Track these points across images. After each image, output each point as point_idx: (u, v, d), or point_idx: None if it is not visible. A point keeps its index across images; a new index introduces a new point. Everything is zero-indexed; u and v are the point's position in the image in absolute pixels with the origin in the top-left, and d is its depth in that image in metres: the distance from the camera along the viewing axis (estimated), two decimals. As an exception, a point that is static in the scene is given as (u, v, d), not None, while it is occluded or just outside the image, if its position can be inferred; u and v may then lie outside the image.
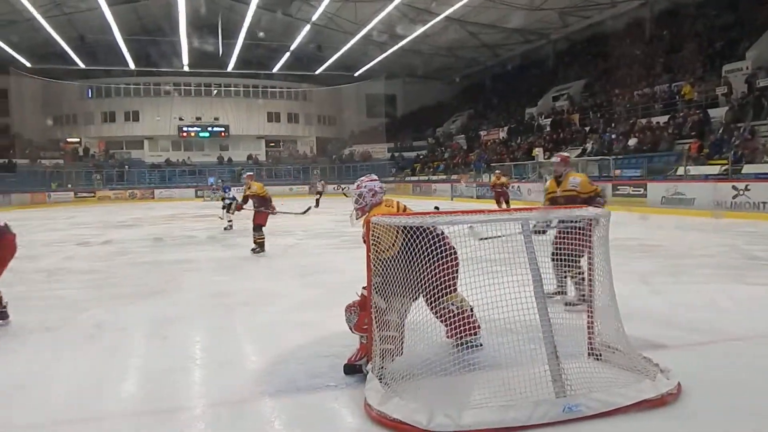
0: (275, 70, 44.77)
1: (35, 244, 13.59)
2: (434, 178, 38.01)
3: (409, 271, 3.81)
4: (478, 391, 3.49)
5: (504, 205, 18.17)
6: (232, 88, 49.19)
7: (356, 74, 45.77)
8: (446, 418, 3.11)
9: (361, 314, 3.98)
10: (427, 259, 3.79)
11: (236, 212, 13.38)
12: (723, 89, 22.77)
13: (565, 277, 5.61)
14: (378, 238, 3.84)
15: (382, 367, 3.69)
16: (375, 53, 40.02)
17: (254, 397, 3.78)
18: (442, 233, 4.01)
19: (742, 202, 15.90)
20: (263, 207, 10.96)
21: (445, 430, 3.07)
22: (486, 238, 3.92)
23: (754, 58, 23.21)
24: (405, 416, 3.18)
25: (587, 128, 29.30)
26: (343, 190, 34.69)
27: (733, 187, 16.30)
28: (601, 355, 3.93)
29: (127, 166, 44.85)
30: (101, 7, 28.63)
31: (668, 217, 16.20)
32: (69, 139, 47.36)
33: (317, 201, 25.81)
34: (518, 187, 27.28)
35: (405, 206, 4.48)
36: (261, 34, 37.63)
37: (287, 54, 41.51)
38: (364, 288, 3.95)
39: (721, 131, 20.62)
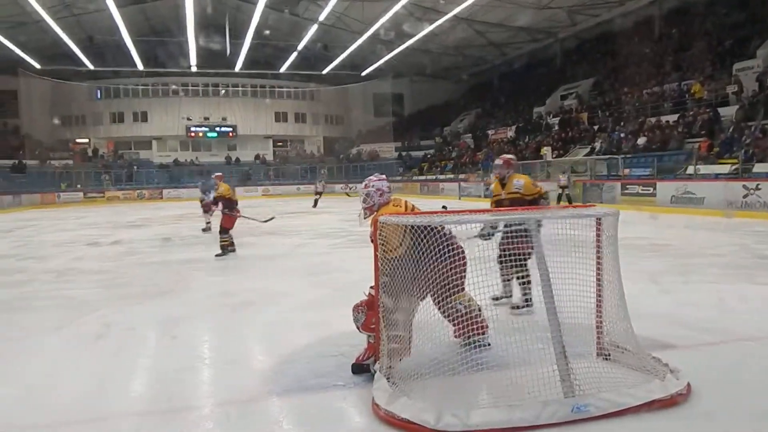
0: (282, 69, 44.80)
1: (45, 245, 13.68)
2: (442, 177, 37.96)
3: (416, 270, 3.80)
4: (486, 391, 3.48)
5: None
6: (240, 88, 49.28)
7: (363, 73, 45.74)
8: (454, 418, 3.10)
9: (368, 314, 3.98)
10: (434, 258, 3.77)
11: (210, 213, 13.04)
12: (733, 88, 22.61)
13: (510, 279, 5.55)
14: (386, 237, 3.84)
15: (389, 367, 3.68)
16: (382, 52, 39.97)
17: (262, 397, 3.79)
18: (450, 233, 4.01)
19: (752, 202, 15.78)
20: (227, 209, 10.66)
21: (453, 429, 3.07)
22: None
23: (764, 57, 23.02)
24: (413, 416, 3.17)
25: (596, 127, 29.16)
26: (347, 189, 34.76)
27: (744, 187, 16.18)
28: (610, 355, 3.92)
29: (135, 167, 44.99)
30: (109, 8, 28.73)
31: (678, 217, 16.11)
32: (78, 140, 47.57)
33: (316, 201, 25.83)
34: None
35: (413, 206, 4.48)
36: (267, 32, 37.65)
37: (294, 54, 41.54)
38: (371, 287, 3.95)
39: (731, 130, 20.48)
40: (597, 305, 3.90)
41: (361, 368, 4.02)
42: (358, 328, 4.10)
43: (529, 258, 4.19)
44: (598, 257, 3.88)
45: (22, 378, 4.32)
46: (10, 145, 41.58)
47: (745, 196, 16.03)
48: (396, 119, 51.07)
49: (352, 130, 53.43)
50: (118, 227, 18.17)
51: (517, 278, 5.32)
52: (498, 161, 6.16)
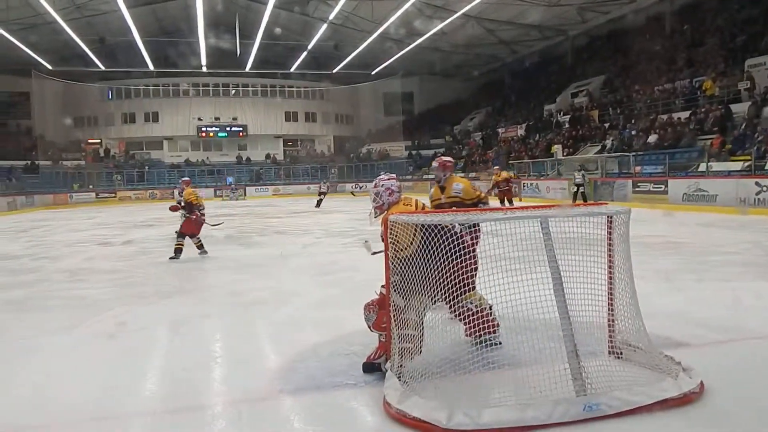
0: (293, 69, 44.90)
1: (58, 245, 13.79)
2: (452, 175, 37.85)
3: (427, 269, 3.79)
4: (497, 390, 3.47)
5: (507, 205, 16.81)
6: (250, 88, 49.39)
7: (373, 72, 45.74)
8: (466, 417, 3.09)
9: (380, 312, 3.98)
10: (445, 257, 3.77)
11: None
12: (745, 84, 22.41)
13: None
14: (396, 236, 3.84)
15: (401, 366, 3.68)
16: (392, 51, 39.94)
17: (274, 395, 3.80)
18: (461, 231, 4.00)
19: (765, 199, 15.64)
20: (186, 213, 10.47)
21: (465, 428, 3.06)
22: (378, 252, 3.91)
23: (777, 52, 22.85)
24: (424, 414, 3.17)
25: (607, 125, 29.01)
26: (353, 189, 34.78)
27: (756, 184, 16.04)
28: (622, 354, 3.89)
29: (147, 167, 45.21)
30: (121, 9, 28.90)
31: (690, 214, 16.00)
32: (90, 141, 47.89)
33: (319, 202, 25.86)
34: (536, 184, 27.14)
35: (423, 204, 4.48)
36: (278, 30, 37.69)
37: (304, 53, 41.61)
38: (382, 286, 3.95)
39: (743, 126, 20.31)
40: (609, 303, 3.87)
41: (372, 367, 4.02)
42: (369, 327, 4.10)
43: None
44: (610, 255, 3.86)
45: (35, 377, 4.36)
46: (23, 146, 41.94)
47: (758, 193, 15.88)
48: (406, 118, 50.98)
49: (362, 129, 53.41)
50: (130, 227, 18.28)
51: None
52: (434, 164, 5.97)
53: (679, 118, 24.04)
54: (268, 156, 49.34)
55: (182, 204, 10.52)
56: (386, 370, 3.76)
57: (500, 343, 4.11)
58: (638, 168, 22.35)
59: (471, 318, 3.95)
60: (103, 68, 40.99)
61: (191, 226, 10.39)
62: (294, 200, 35.01)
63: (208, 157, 48.09)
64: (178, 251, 10.23)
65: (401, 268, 3.82)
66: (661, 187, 19.66)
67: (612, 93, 32.00)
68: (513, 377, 3.53)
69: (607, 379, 3.39)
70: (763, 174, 16.63)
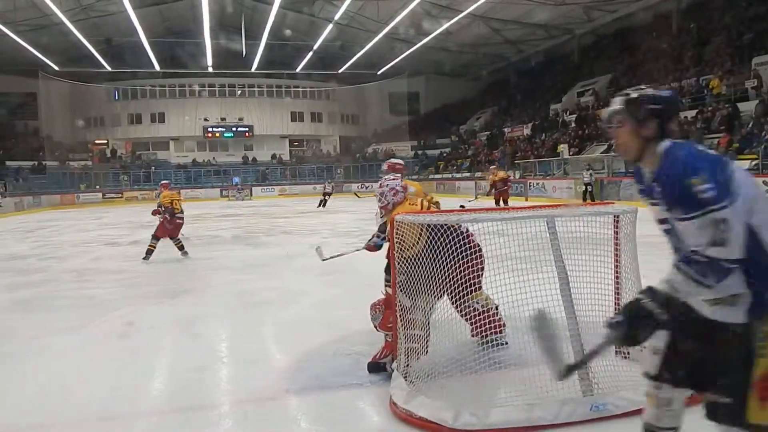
0: (298, 69, 44.93)
1: (65, 245, 13.84)
2: (458, 175, 37.86)
3: (433, 269, 3.79)
4: (503, 390, 3.47)
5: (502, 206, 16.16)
6: (256, 89, 49.47)
7: (379, 72, 45.73)
8: (472, 417, 3.09)
9: (386, 312, 3.99)
10: (451, 257, 3.76)
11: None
12: (753, 82, 22.29)
13: None
14: (402, 236, 3.84)
15: (407, 366, 3.68)
16: (398, 51, 39.93)
17: (280, 395, 3.81)
18: (467, 231, 3.99)
19: (773, 198, 15.55)
20: (168, 215, 10.44)
21: (472, 428, 3.06)
22: (329, 258, 3.89)
23: (785, 51, 22.72)
24: (431, 414, 3.17)
25: (613, 124, 28.88)
26: (357, 190, 34.75)
27: (764, 182, 15.95)
28: (629, 354, 3.88)
29: (153, 167, 45.32)
30: (127, 10, 28.99)
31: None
32: (97, 141, 48.05)
33: (324, 202, 25.88)
34: (543, 184, 27.09)
35: (429, 204, 4.47)
36: (287, 31, 37.78)
37: (310, 53, 41.65)
38: (388, 286, 3.95)
39: (751, 125, 20.20)
40: (615, 303, 3.86)
41: (377, 367, 4.02)
42: (375, 327, 4.11)
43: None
44: (617, 255, 3.85)
45: (42, 377, 4.38)
46: (30, 147, 42.13)
47: (765, 192, 15.80)
48: (412, 118, 50.92)
49: (368, 129, 53.41)
50: (137, 227, 18.31)
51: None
52: (384, 167, 5.72)
53: (686, 117, 23.92)
54: (274, 156, 49.38)
55: (162, 208, 10.54)
56: (392, 370, 3.77)
57: (506, 343, 4.10)
58: (645, 167, 22.22)
59: (477, 318, 3.95)
60: (109, 69, 41.12)
61: (164, 229, 10.42)
62: (300, 200, 35.03)
63: (214, 158, 48.19)
64: (149, 252, 10.28)
65: (407, 267, 3.82)
66: (667, 187, 19.55)
67: (618, 92, 31.72)
68: (519, 377, 3.53)
69: (613, 380, 3.38)
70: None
